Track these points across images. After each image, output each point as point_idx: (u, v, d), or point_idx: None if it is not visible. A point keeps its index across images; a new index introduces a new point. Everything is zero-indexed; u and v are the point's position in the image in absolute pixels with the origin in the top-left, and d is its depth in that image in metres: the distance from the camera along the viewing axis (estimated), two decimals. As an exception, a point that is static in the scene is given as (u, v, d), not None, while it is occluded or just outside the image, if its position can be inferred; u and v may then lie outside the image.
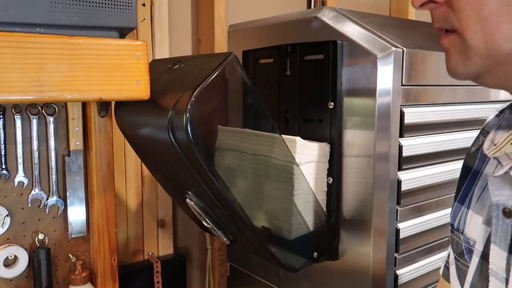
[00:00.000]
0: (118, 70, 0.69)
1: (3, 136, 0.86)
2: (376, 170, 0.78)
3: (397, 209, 0.82)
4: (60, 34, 0.65)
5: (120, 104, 0.82)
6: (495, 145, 0.51)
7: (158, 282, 1.15)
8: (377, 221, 0.80)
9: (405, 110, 0.79)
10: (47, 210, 0.91)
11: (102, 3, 0.67)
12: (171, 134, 0.66)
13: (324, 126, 0.83)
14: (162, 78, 0.78)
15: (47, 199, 0.91)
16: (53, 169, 0.91)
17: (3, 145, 0.86)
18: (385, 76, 0.76)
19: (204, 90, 0.66)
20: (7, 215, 0.87)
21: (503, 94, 1.01)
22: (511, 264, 0.48)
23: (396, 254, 0.83)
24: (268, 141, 0.80)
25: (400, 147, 0.80)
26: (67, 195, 0.92)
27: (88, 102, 0.89)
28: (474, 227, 0.56)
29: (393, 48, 0.76)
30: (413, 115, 0.81)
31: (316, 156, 0.82)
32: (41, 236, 0.91)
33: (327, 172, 0.84)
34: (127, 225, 1.16)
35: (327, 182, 0.84)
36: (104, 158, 0.90)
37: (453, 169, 0.91)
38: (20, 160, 0.88)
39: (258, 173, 0.83)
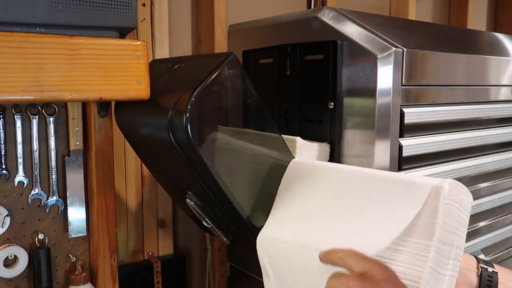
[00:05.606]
0: (118, 70, 0.69)
1: (3, 136, 0.86)
2: (376, 170, 0.78)
3: (397, 209, 0.81)
4: (60, 34, 0.65)
5: (120, 104, 0.82)
6: None
7: (158, 282, 1.15)
8: (377, 221, 0.80)
9: (405, 110, 0.79)
10: (47, 210, 0.91)
11: (102, 3, 0.67)
12: (171, 134, 0.66)
13: (324, 126, 0.83)
14: (162, 78, 0.78)
15: (47, 199, 0.91)
16: (53, 169, 0.91)
17: (3, 145, 0.86)
18: (385, 76, 0.76)
19: (204, 90, 0.66)
20: (7, 215, 0.87)
21: (503, 94, 1.01)
22: None
23: (396, 254, 0.83)
24: (268, 141, 0.80)
25: (400, 147, 0.80)
26: (67, 195, 0.92)
27: (88, 102, 0.89)
28: None
29: (393, 48, 0.76)
30: (413, 115, 0.81)
31: (316, 156, 0.82)
32: (41, 236, 0.91)
33: (327, 172, 0.84)
34: (127, 225, 1.16)
35: (327, 182, 0.84)
36: (104, 158, 0.90)
37: (453, 169, 0.91)
38: (20, 160, 0.88)
39: (258, 173, 0.83)
